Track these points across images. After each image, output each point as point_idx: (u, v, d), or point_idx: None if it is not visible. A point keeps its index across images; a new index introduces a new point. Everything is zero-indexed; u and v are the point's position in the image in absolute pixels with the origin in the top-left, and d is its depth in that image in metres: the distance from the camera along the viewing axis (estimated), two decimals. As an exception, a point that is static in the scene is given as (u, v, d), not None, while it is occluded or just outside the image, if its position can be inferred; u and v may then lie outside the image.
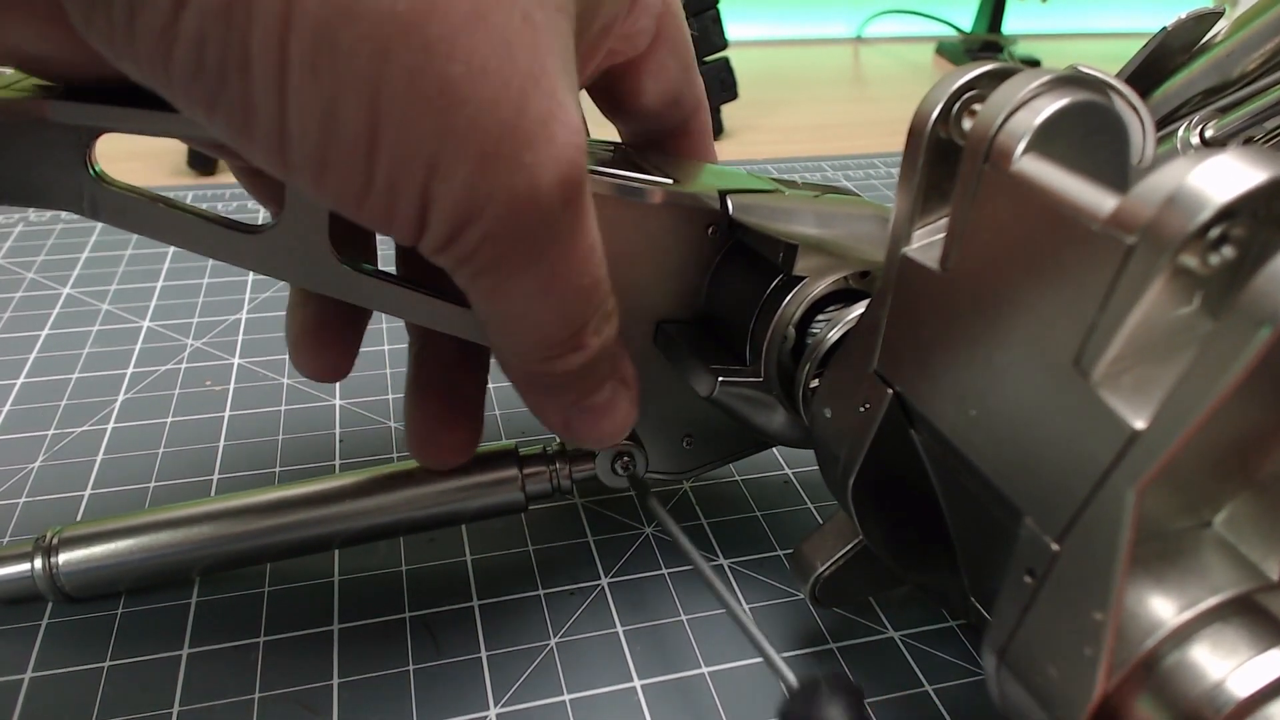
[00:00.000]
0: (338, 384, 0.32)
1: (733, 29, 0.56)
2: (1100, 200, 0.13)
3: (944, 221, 0.17)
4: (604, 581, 0.25)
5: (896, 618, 0.24)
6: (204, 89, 0.14)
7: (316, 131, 0.14)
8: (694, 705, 0.22)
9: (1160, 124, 0.28)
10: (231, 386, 0.32)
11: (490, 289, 0.17)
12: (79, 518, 0.27)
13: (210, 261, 0.38)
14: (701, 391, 0.23)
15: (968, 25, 0.84)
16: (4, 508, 0.27)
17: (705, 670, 0.23)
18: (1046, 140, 0.14)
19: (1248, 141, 0.26)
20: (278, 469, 0.28)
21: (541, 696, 0.22)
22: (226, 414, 0.31)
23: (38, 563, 0.22)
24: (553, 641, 0.23)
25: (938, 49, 0.85)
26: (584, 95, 0.21)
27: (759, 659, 0.23)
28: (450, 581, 0.25)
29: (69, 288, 0.38)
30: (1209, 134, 0.26)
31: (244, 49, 0.13)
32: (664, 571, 0.25)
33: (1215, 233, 0.12)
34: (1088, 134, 0.15)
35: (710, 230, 0.23)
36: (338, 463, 0.29)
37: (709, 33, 0.55)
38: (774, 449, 0.29)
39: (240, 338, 0.35)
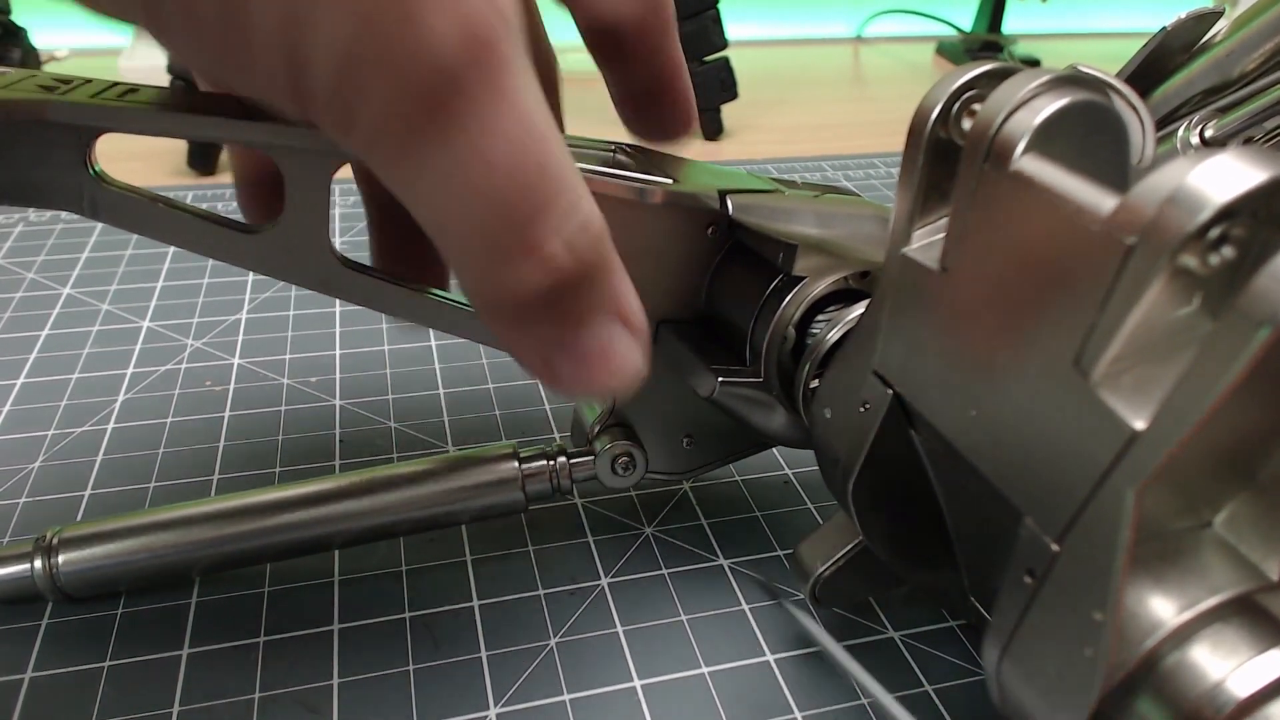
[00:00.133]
0: (338, 384, 0.32)
1: (732, 29, 0.56)
2: (1100, 200, 0.13)
3: (944, 221, 0.17)
4: (604, 581, 0.25)
5: (896, 618, 0.24)
6: None
7: None
8: (694, 705, 0.22)
9: (1160, 124, 0.28)
10: (231, 386, 0.32)
11: (406, 174, 0.15)
12: (79, 518, 0.27)
13: (210, 261, 0.38)
14: (702, 392, 0.23)
15: (968, 25, 0.84)
16: (4, 508, 0.27)
17: (705, 670, 0.23)
18: (1046, 140, 0.14)
19: (1248, 141, 0.26)
20: (278, 469, 0.28)
21: (541, 696, 0.22)
22: (226, 414, 0.31)
23: (38, 563, 0.22)
24: (553, 641, 0.23)
25: (938, 49, 0.85)
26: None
27: (759, 659, 0.23)
28: (450, 581, 0.25)
29: (69, 288, 0.38)
30: (1209, 134, 0.26)
31: None
32: (664, 571, 0.25)
33: (1215, 233, 0.12)
34: (1088, 134, 0.15)
35: (710, 230, 0.23)
36: (338, 463, 0.29)
37: (709, 33, 0.55)
38: (774, 449, 0.29)
39: (240, 338, 0.35)
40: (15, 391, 0.32)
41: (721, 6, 0.55)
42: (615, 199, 0.22)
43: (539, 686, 0.22)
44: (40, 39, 0.61)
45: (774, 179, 0.24)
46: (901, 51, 0.85)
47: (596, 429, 0.25)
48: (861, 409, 0.19)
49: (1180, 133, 0.27)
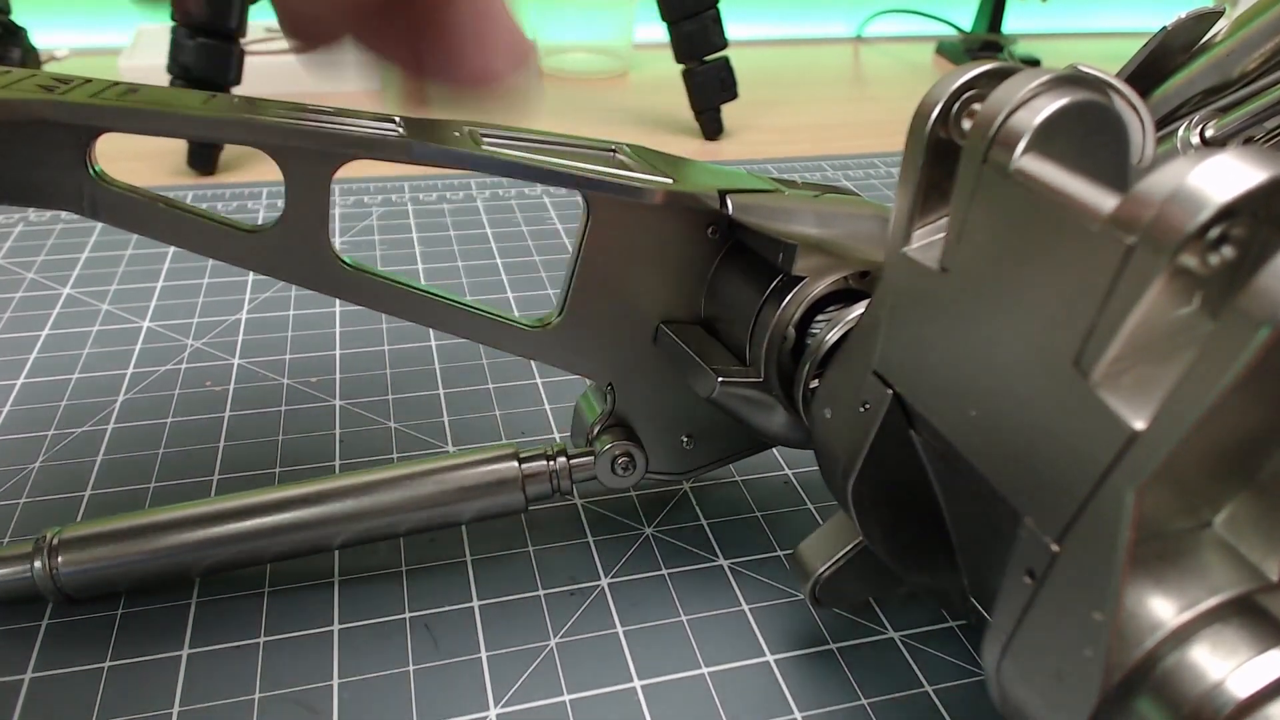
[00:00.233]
0: (337, 384, 0.32)
1: (732, 29, 0.56)
2: (1100, 200, 0.13)
3: (944, 221, 0.17)
4: (604, 581, 0.25)
5: (896, 618, 0.24)
6: None
7: None
8: (694, 705, 0.22)
9: (1160, 124, 0.28)
10: (231, 387, 0.32)
11: None
12: (79, 518, 0.27)
13: (210, 261, 0.38)
14: (702, 392, 0.23)
15: (968, 25, 0.84)
16: (4, 508, 0.27)
17: (705, 670, 0.23)
18: (1046, 140, 0.14)
19: (1248, 141, 0.26)
20: (278, 469, 0.28)
21: (541, 696, 0.22)
22: (226, 414, 0.31)
23: (38, 563, 0.22)
24: (553, 641, 0.23)
25: (938, 49, 0.85)
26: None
27: (759, 659, 0.23)
28: (450, 581, 0.25)
29: (69, 288, 0.38)
30: (1209, 134, 0.26)
31: None
32: (664, 572, 0.25)
33: (1215, 233, 0.12)
34: (1088, 134, 0.15)
35: (710, 230, 0.23)
36: (338, 463, 0.29)
37: (708, 32, 0.55)
38: (774, 449, 0.29)
39: (240, 338, 0.35)
40: (15, 392, 0.32)
41: (721, 6, 0.55)
42: (616, 199, 0.22)
43: (539, 687, 0.22)
44: (40, 39, 0.61)
45: (774, 179, 0.24)
46: (901, 51, 0.85)
47: (596, 429, 0.25)
48: (861, 409, 0.19)
49: (1180, 133, 0.27)
